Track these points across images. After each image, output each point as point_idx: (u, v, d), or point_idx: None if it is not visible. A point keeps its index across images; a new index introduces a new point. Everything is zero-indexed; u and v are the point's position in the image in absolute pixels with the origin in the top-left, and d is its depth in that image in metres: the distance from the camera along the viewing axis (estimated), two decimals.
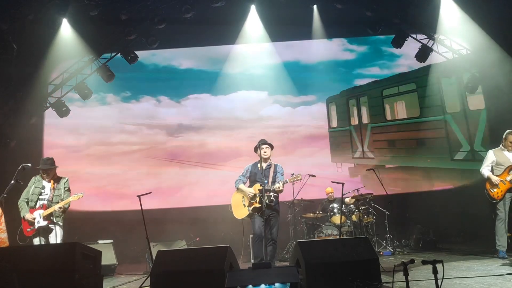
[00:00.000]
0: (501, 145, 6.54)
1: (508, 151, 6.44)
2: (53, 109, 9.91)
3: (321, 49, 10.75)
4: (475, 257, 6.54)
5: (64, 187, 5.98)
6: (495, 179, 6.27)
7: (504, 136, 6.53)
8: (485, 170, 6.46)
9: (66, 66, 10.06)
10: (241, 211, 6.07)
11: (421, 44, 9.96)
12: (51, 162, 5.98)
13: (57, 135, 10.66)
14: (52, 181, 5.96)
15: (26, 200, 5.87)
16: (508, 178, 6.22)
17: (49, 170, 5.93)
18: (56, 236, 5.79)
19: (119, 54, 9.94)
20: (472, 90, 10.23)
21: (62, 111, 9.88)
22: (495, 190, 6.29)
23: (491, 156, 6.50)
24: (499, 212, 6.27)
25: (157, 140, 10.95)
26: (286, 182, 5.89)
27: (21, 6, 7.96)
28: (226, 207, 6.44)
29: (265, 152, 6.08)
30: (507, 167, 6.29)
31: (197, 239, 8.73)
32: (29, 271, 3.91)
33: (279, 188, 5.86)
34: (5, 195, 5.55)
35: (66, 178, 6.10)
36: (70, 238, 6.64)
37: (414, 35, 9.97)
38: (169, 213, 9.67)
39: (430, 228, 8.84)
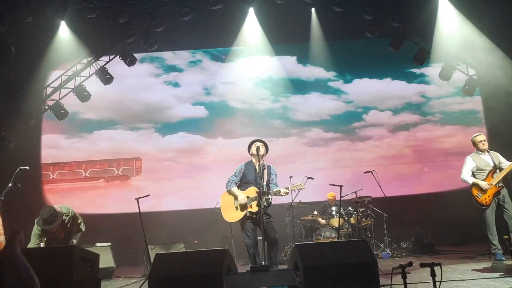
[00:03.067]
0: (476, 151, 6.47)
1: (484, 154, 6.37)
2: (52, 112, 9.91)
3: (320, 49, 10.75)
4: (473, 260, 6.54)
5: (78, 229, 5.78)
6: (483, 184, 6.16)
7: (472, 142, 6.49)
8: (469, 177, 6.31)
9: (64, 68, 10.08)
10: (233, 214, 5.68)
11: (418, 47, 10.01)
12: (52, 218, 5.51)
13: (56, 137, 10.65)
14: (62, 232, 5.69)
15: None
16: (494, 182, 6.15)
17: (53, 227, 5.62)
18: None
19: (117, 57, 9.96)
20: (470, 92, 10.27)
21: (61, 113, 9.89)
22: (482, 196, 6.20)
23: (470, 162, 6.37)
24: (488, 217, 6.19)
25: (155, 142, 10.95)
26: (288, 190, 5.61)
27: (20, 8, 7.98)
28: None
29: (258, 148, 5.73)
30: (490, 171, 6.21)
31: (195, 241, 8.71)
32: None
33: (285, 193, 5.59)
34: (3, 198, 5.52)
35: (80, 220, 5.79)
36: None
37: (412, 38, 10.02)
38: (167, 215, 9.64)
39: (429, 230, 8.84)
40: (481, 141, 6.40)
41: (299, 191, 7.03)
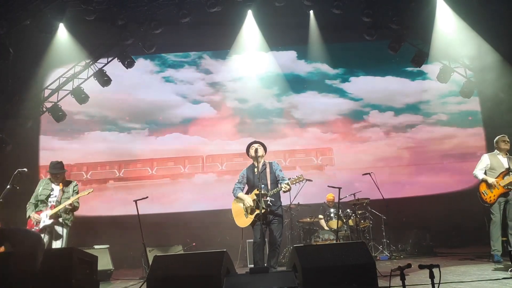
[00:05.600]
0: (495, 150, 6.57)
1: (502, 156, 6.46)
2: (50, 114, 9.90)
3: (318, 51, 10.73)
4: (472, 262, 6.56)
5: (74, 190, 5.97)
6: (491, 180, 6.26)
7: (495, 142, 6.58)
8: (479, 173, 6.44)
9: (63, 70, 10.08)
10: (243, 220, 5.74)
11: (417, 49, 10.04)
12: (60, 166, 5.96)
13: (54, 139, 10.63)
14: (61, 184, 5.94)
15: (35, 202, 5.85)
16: (502, 184, 6.22)
17: (59, 174, 5.92)
18: (62, 241, 5.77)
19: (116, 59, 9.96)
20: (468, 95, 10.31)
21: (59, 115, 9.88)
22: (487, 194, 6.29)
23: (485, 159, 6.50)
24: (493, 217, 6.27)
25: (153, 145, 10.92)
26: (288, 185, 5.55)
27: (18, 10, 7.98)
28: (223, 212, 6.37)
29: (256, 150, 5.75)
30: (502, 172, 6.29)
31: (194, 244, 8.71)
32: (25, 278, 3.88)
33: (286, 188, 5.52)
34: (1, 200, 5.50)
35: (75, 182, 6.10)
36: (68, 242, 6.61)
37: (410, 40, 10.05)
38: (166, 218, 9.63)
39: (427, 232, 8.85)
40: (504, 140, 6.50)
41: (298, 192, 7.02)
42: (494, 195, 6.25)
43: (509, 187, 6.23)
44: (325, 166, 10.70)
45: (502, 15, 8.60)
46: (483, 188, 6.38)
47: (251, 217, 5.65)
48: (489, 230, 6.33)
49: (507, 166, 6.33)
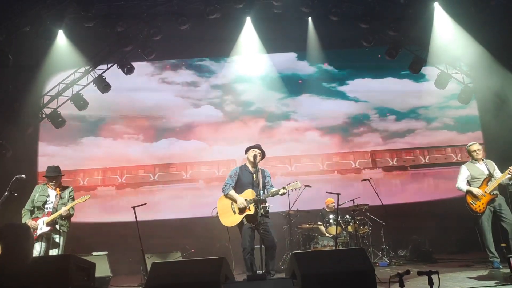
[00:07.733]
0: (471, 159, 6.54)
1: (479, 163, 6.42)
2: (49, 120, 9.91)
3: (316, 57, 10.75)
4: (471, 268, 6.53)
5: (69, 196, 5.99)
6: (476, 191, 6.21)
7: (468, 151, 6.57)
8: (462, 185, 6.38)
9: (62, 77, 10.10)
10: (230, 218, 5.71)
11: (414, 55, 10.07)
12: (57, 170, 6.00)
13: (52, 145, 10.62)
14: (57, 189, 5.96)
15: (31, 209, 5.85)
16: (488, 190, 6.19)
17: (56, 177, 5.95)
18: (59, 249, 5.77)
19: (115, 65, 9.99)
20: (465, 101, 10.34)
21: (58, 122, 9.90)
22: (476, 203, 6.23)
23: (464, 171, 6.44)
24: (483, 225, 6.24)
25: (152, 151, 10.92)
26: (285, 189, 5.66)
27: (18, 17, 8.01)
28: None
29: (255, 156, 5.83)
30: (484, 179, 6.25)
31: (192, 250, 8.67)
32: (22, 285, 3.86)
33: (283, 193, 5.66)
34: None
35: (71, 188, 6.11)
36: (64, 250, 6.58)
37: (408, 47, 10.09)
38: (164, 224, 9.61)
39: (426, 238, 8.83)
40: (475, 150, 6.46)
41: (297, 198, 7.03)
42: (483, 203, 6.20)
43: (495, 192, 6.22)
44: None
45: (499, 21, 8.65)
46: (469, 199, 6.32)
47: (239, 217, 5.64)
48: (481, 238, 6.30)
49: (487, 172, 6.29)
